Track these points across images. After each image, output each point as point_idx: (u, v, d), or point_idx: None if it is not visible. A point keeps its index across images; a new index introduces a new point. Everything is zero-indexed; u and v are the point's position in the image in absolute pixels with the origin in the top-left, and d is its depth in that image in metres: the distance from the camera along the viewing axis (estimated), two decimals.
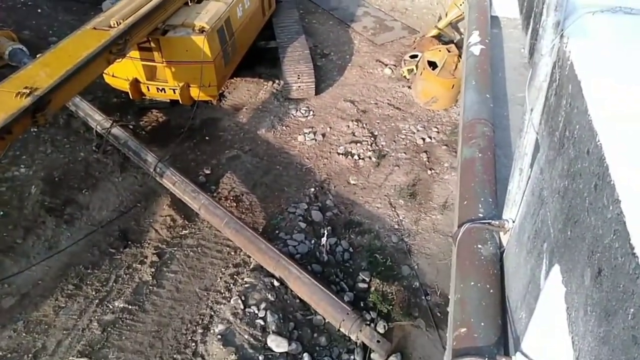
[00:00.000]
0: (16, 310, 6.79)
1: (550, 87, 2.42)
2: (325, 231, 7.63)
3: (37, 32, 11.67)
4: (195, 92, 9.18)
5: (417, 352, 6.63)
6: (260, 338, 6.28)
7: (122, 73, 9.21)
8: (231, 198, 8.63)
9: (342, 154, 9.51)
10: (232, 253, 7.63)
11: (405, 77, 11.31)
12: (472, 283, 2.80)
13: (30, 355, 6.31)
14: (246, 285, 6.91)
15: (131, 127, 9.64)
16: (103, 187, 8.63)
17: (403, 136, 9.94)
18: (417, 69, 10.92)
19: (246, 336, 6.28)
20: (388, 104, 10.74)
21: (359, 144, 9.70)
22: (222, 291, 7.01)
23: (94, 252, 7.61)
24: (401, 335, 6.82)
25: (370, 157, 9.45)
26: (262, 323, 6.43)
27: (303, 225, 8.01)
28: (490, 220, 3.01)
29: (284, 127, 10.16)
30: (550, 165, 2.32)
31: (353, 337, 6.40)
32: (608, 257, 1.60)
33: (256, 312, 6.55)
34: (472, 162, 3.50)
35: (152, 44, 8.73)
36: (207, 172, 9.12)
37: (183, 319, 6.72)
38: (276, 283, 6.94)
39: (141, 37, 8.18)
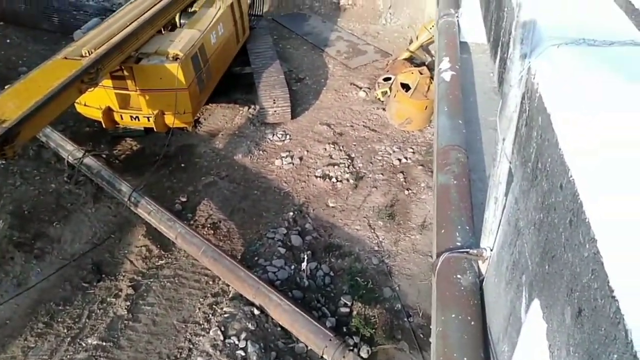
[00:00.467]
0: None
1: (521, 118, 2.43)
2: (305, 256, 7.55)
3: (6, 63, 11.47)
4: (170, 119, 9.10)
5: None
6: None
7: (94, 102, 9.07)
8: (208, 225, 8.49)
9: (319, 177, 9.52)
10: (211, 282, 7.46)
11: (379, 99, 11.48)
12: (453, 315, 2.78)
13: None
14: (225, 315, 6.75)
15: (104, 156, 9.46)
16: (75, 218, 8.39)
17: (379, 157, 10.02)
18: (390, 92, 11.11)
19: None
20: (364, 126, 10.85)
21: (336, 167, 9.72)
22: (201, 322, 6.83)
23: (65, 287, 7.34)
24: (385, 359, 6.73)
25: (348, 179, 9.47)
26: (243, 354, 6.26)
27: (282, 250, 7.91)
28: (468, 250, 3.01)
29: (260, 152, 10.13)
30: (525, 196, 2.31)
31: None
32: (587, 297, 1.53)
33: (236, 342, 6.38)
34: (448, 189, 3.52)
35: (125, 72, 8.65)
36: (184, 199, 8.98)
37: (160, 354, 6.49)
38: (256, 311, 6.79)
39: (114, 66, 8.10)
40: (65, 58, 7.48)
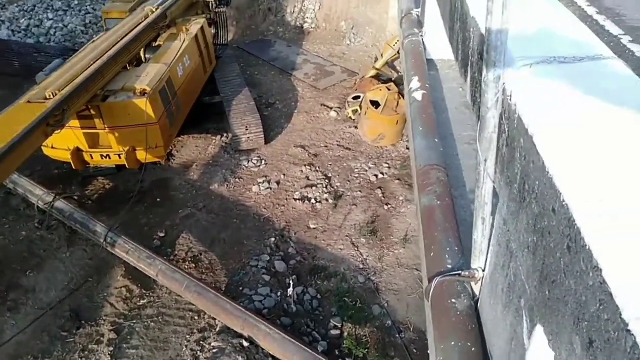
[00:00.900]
0: None
1: (501, 138, 2.41)
2: (291, 281, 7.45)
3: None
4: (142, 155, 8.96)
5: None
6: None
7: (62, 144, 8.87)
8: (189, 259, 8.31)
9: (299, 200, 9.48)
10: (196, 318, 7.26)
11: (350, 118, 11.60)
12: (453, 343, 2.70)
13: None
14: (214, 351, 6.55)
15: (76, 198, 9.22)
16: (49, 265, 8.09)
17: (356, 175, 10.07)
18: (361, 110, 11.25)
19: None
20: (338, 145, 10.92)
21: (314, 188, 9.71)
22: None
23: (43, 338, 7.02)
24: None
25: (327, 200, 9.46)
26: None
27: (267, 277, 7.79)
28: (460, 272, 2.94)
29: (237, 180, 10.05)
30: (514, 218, 2.24)
31: None
32: (598, 329, 1.41)
33: None
34: (432, 210, 3.46)
35: (93, 112, 8.51)
36: (162, 235, 8.79)
37: None
38: (246, 343, 6.62)
39: (80, 106, 7.97)
40: (29, 102, 7.31)
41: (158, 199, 9.61)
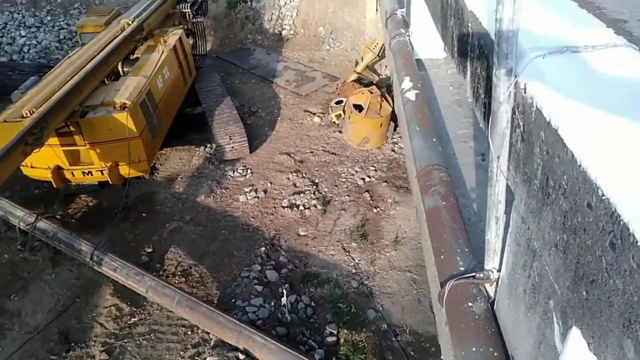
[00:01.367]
0: None
1: (514, 133, 2.32)
2: (284, 290, 7.37)
3: None
4: (125, 170, 8.79)
5: None
6: None
7: (41, 162, 8.65)
8: (179, 273, 8.17)
9: (287, 207, 9.41)
10: (189, 333, 7.13)
11: (334, 122, 11.60)
12: (474, 349, 2.58)
13: None
14: None
15: (58, 217, 9.00)
16: (35, 288, 7.87)
17: (343, 179, 10.05)
18: (344, 114, 11.26)
19: None
20: (323, 150, 10.89)
21: (302, 194, 9.66)
22: None
23: None
24: None
25: (315, 206, 9.42)
26: None
27: (259, 288, 7.70)
28: (474, 274, 2.82)
29: (223, 190, 9.94)
30: (536, 216, 2.13)
31: None
32: None
33: None
34: (437, 211, 3.35)
35: (72, 128, 8.33)
36: (149, 250, 8.63)
37: None
38: (242, 356, 6.51)
39: (58, 123, 7.79)
40: (5, 121, 7.15)
41: (144, 214, 9.44)
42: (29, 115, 7.14)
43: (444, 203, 3.36)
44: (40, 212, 8.66)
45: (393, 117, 10.83)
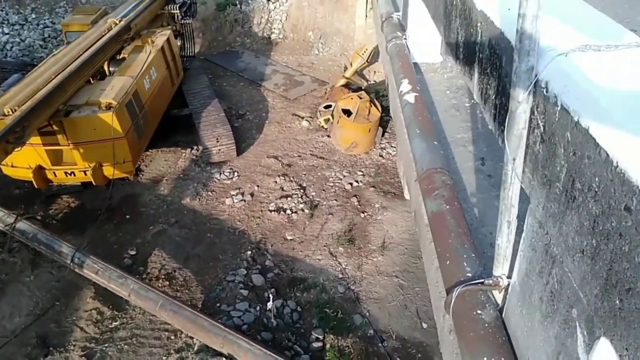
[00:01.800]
0: None
1: (532, 134, 2.24)
2: (270, 294, 7.28)
3: None
4: (109, 171, 8.64)
5: None
6: None
7: (22, 162, 8.45)
8: (163, 277, 8.02)
9: (274, 211, 9.33)
10: (173, 337, 6.99)
11: (322, 127, 11.58)
12: (485, 358, 2.50)
13: None
14: None
15: (39, 218, 8.80)
16: (12, 290, 7.65)
17: (331, 184, 10.02)
18: (333, 118, 11.24)
19: None
20: (311, 154, 10.85)
21: (289, 198, 9.59)
22: None
23: None
24: None
25: (302, 210, 9.36)
26: None
27: (245, 292, 7.60)
28: (482, 280, 2.71)
29: (209, 193, 9.82)
30: (557, 220, 2.05)
31: None
32: None
33: None
34: (442, 215, 3.24)
35: (55, 127, 8.15)
36: (133, 253, 8.46)
37: None
38: None
39: (41, 122, 7.63)
40: None
41: (127, 216, 9.27)
42: (10, 113, 6.98)
43: (447, 207, 3.25)
44: (20, 213, 8.45)
45: (381, 123, 10.86)
